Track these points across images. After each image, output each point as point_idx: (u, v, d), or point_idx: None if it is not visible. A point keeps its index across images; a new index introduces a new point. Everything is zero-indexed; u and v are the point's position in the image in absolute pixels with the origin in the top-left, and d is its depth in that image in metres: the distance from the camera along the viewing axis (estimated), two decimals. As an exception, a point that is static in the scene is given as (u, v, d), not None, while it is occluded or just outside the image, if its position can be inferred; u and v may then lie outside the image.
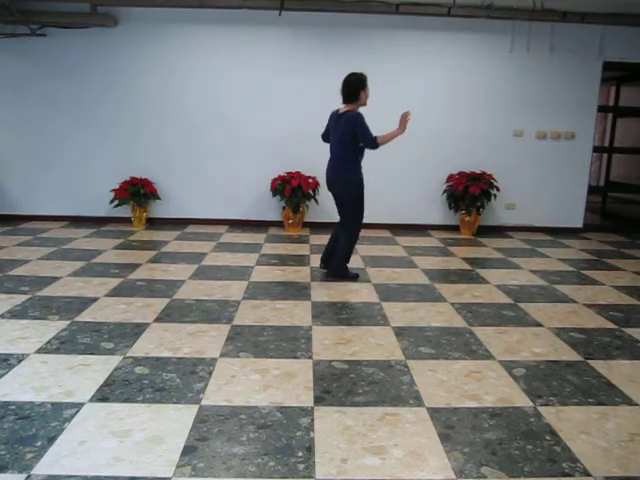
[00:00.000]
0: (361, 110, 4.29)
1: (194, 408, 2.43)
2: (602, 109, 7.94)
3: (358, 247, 5.82)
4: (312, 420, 2.36)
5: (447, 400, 2.57)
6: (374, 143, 4.16)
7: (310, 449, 2.15)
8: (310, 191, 6.41)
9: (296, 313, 3.72)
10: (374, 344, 3.22)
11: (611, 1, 5.94)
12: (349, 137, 4.20)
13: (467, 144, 6.79)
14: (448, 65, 6.63)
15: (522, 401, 2.58)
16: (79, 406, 2.42)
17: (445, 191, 6.75)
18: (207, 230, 6.54)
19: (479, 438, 2.26)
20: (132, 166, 6.64)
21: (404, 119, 4.19)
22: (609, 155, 9.07)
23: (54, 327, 3.34)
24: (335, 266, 4.57)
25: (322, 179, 6.62)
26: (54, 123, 6.62)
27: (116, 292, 4.08)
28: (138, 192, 6.40)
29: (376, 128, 6.60)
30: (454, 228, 6.90)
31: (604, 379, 2.84)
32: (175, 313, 3.66)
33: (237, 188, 6.84)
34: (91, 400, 2.48)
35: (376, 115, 6.62)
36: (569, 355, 3.14)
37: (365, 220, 6.78)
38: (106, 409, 2.41)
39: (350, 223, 4.47)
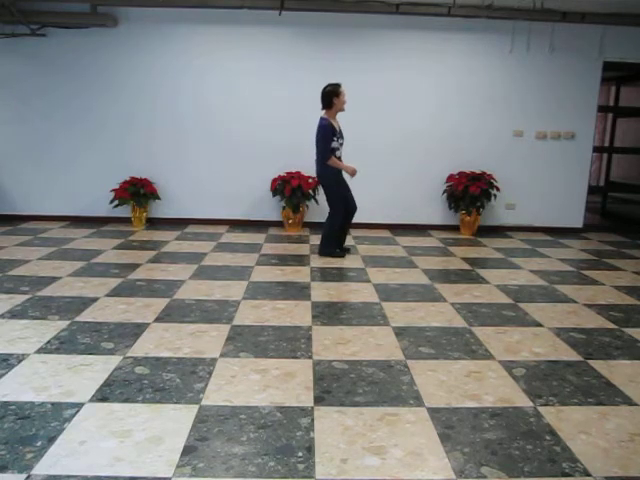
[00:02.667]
0: (339, 115, 5.17)
1: (194, 408, 2.43)
2: (602, 109, 7.94)
3: (358, 247, 5.83)
4: (312, 420, 2.36)
5: (447, 400, 2.57)
6: (323, 156, 5.02)
7: (310, 449, 2.15)
8: (310, 191, 6.41)
9: (296, 313, 3.72)
10: (374, 344, 3.22)
11: (611, 1, 5.93)
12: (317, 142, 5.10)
13: (467, 144, 6.79)
14: (448, 65, 6.63)
15: (522, 401, 2.58)
16: (79, 406, 2.42)
17: (445, 191, 6.75)
18: (207, 230, 6.54)
19: (479, 438, 2.26)
20: (132, 166, 6.64)
21: (352, 172, 5.17)
22: (609, 155, 9.07)
23: (54, 327, 3.34)
24: (320, 247, 5.39)
25: (322, 179, 6.65)
26: (54, 123, 6.62)
27: (116, 292, 4.08)
28: (138, 192, 6.40)
29: (374, 126, 6.66)
30: (454, 228, 6.90)
31: (604, 379, 2.84)
32: (175, 313, 3.66)
33: (237, 188, 6.84)
34: (91, 400, 2.48)
35: (376, 114, 6.68)
36: (569, 355, 3.14)
37: (365, 220, 6.89)
38: (106, 409, 2.41)
39: (334, 208, 5.26)
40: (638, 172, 9.26)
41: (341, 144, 5.15)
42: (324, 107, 5.05)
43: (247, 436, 2.23)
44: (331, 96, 4.99)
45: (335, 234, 5.31)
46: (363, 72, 6.59)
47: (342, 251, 5.42)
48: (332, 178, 5.15)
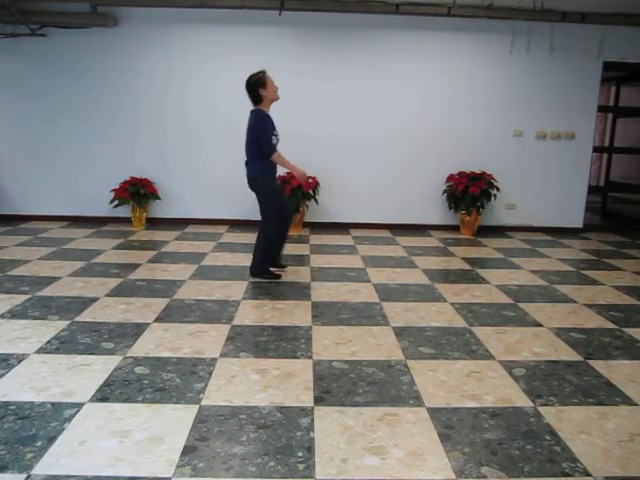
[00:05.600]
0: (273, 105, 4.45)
1: (194, 408, 2.43)
2: (602, 109, 7.94)
3: (358, 247, 5.83)
4: (312, 420, 2.36)
5: (447, 400, 2.57)
6: (268, 150, 4.22)
7: (310, 449, 2.15)
8: (310, 191, 6.41)
9: (296, 313, 3.72)
10: (374, 344, 3.22)
11: (611, 1, 5.93)
12: (255, 135, 4.30)
13: (467, 144, 6.79)
14: (448, 65, 6.63)
15: (522, 401, 2.58)
16: (79, 406, 2.42)
17: (445, 191, 6.75)
18: (207, 230, 6.54)
19: (479, 438, 2.26)
20: (132, 166, 6.64)
21: (302, 175, 4.41)
22: (609, 155, 9.07)
23: (54, 327, 3.34)
24: (253, 264, 4.52)
25: (322, 179, 6.67)
26: (54, 123, 6.62)
27: (116, 292, 4.08)
28: (138, 192, 6.40)
29: (374, 126, 6.66)
30: (454, 228, 6.90)
31: (604, 379, 2.84)
32: (175, 313, 3.66)
33: (237, 188, 6.79)
34: (91, 400, 2.48)
35: (376, 113, 6.68)
36: (569, 355, 3.14)
37: (365, 220, 6.90)
38: (106, 409, 2.41)
39: (268, 217, 4.41)
40: (638, 172, 9.26)
41: (278, 141, 4.38)
42: (254, 103, 4.27)
43: (247, 436, 2.23)
44: (256, 88, 4.20)
45: (271, 248, 4.51)
46: (363, 72, 6.59)
47: (278, 268, 4.68)
48: (269, 182, 4.38)
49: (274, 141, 4.30)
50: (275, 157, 4.25)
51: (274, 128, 4.31)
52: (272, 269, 4.58)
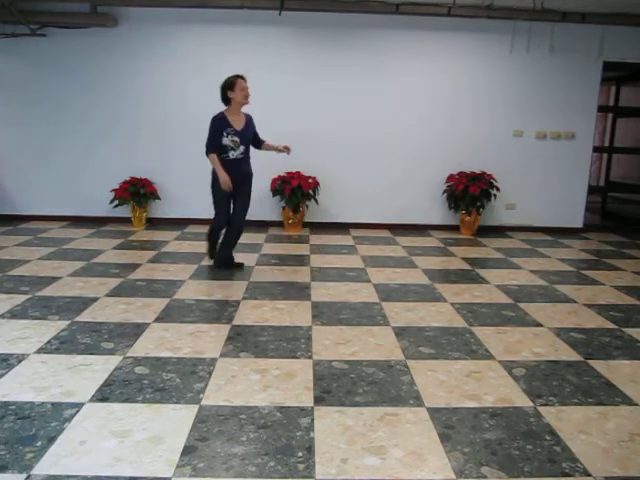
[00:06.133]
0: (247, 108, 4.61)
1: (194, 408, 2.43)
2: (602, 109, 7.94)
3: (358, 247, 5.83)
4: (312, 420, 2.36)
5: (447, 400, 2.57)
6: (206, 149, 4.53)
7: (310, 449, 2.15)
8: (310, 191, 6.41)
9: (296, 313, 3.72)
10: (374, 344, 3.22)
11: (611, 1, 5.93)
12: None
13: (467, 144, 6.78)
14: (448, 65, 6.63)
15: (522, 401, 2.58)
16: (79, 406, 2.42)
17: (445, 191, 6.75)
18: (207, 230, 6.51)
19: (479, 438, 2.26)
20: (132, 166, 6.64)
21: (223, 182, 4.48)
22: (609, 155, 9.07)
23: (54, 327, 3.34)
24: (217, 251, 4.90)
25: (322, 179, 6.67)
26: (54, 123, 6.61)
27: (116, 292, 4.08)
28: (138, 192, 6.40)
29: (375, 126, 6.66)
30: (454, 228, 6.90)
31: (604, 379, 2.84)
32: (175, 313, 3.66)
33: (237, 188, 6.83)
34: (91, 400, 2.48)
35: (376, 113, 6.68)
36: (569, 355, 3.14)
37: (365, 220, 6.90)
38: (106, 409, 2.41)
39: (215, 211, 4.78)
40: (638, 172, 9.26)
41: (235, 143, 4.48)
42: (223, 103, 4.50)
43: (247, 436, 2.23)
44: (224, 90, 4.41)
45: (211, 239, 4.93)
46: (363, 72, 6.59)
47: (231, 266, 4.85)
48: (214, 178, 4.57)
49: (227, 142, 4.47)
50: (209, 157, 4.52)
51: (223, 129, 4.45)
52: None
